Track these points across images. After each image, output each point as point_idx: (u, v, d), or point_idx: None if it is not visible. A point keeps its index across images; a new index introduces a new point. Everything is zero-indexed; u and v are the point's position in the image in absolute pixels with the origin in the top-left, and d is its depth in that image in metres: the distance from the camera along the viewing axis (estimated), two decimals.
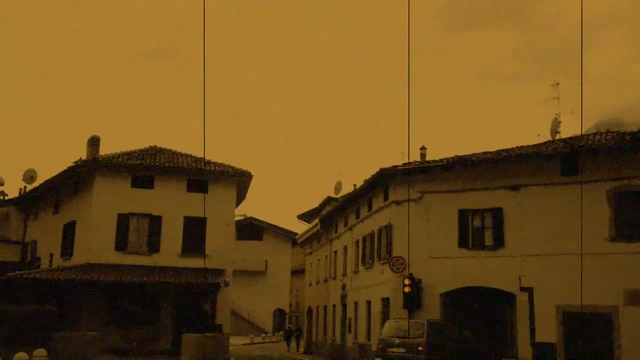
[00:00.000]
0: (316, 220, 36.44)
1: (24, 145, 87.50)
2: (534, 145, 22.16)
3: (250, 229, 52.35)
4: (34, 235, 33.39)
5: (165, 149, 30.43)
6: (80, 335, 22.82)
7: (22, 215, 34.84)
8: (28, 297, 25.07)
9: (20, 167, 64.61)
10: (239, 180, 29.68)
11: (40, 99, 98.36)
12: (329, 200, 36.28)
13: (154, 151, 29.96)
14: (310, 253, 40.49)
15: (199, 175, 28.64)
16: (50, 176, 30.12)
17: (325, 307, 34.57)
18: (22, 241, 34.06)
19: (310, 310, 39.41)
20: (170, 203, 28.12)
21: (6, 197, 35.67)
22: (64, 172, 28.72)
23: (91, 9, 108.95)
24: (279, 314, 55.48)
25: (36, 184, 32.36)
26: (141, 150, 29.70)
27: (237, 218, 35.02)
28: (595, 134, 22.78)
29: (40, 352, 19.06)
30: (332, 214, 32.90)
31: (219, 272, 27.62)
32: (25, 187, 33.75)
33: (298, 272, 50.17)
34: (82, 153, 30.11)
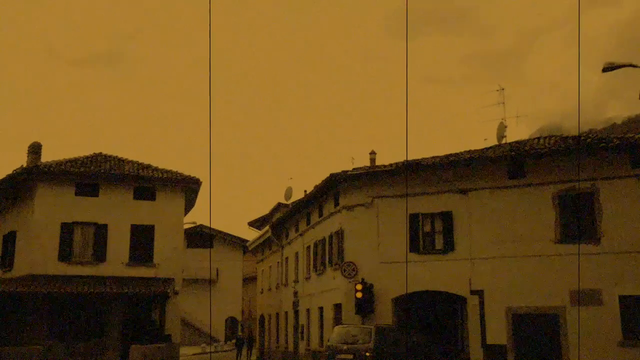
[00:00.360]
0: (267, 227, 36.12)
1: None
2: (482, 149, 22.46)
3: (201, 237, 51.57)
4: None
5: (110, 156, 29.62)
6: (23, 350, 22.03)
7: None
8: None
9: None
10: (187, 187, 29.09)
11: None
12: (279, 206, 36.06)
13: (99, 158, 29.11)
14: (262, 260, 40.12)
15: (146, 182, 28.01)
16: None
17: (277, 314, 34.26)
18: None
19: (262, 318, 39.02)
20: (117, 211, 27.36)
21: None
22: (3, 181, 27.55)
23: (32, 13, 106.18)
24: (231, 323, 54.83)
25: None
26: (85, 157, 28.80)
27: (186, 226, 34.39)
28: (539, 138, 23.29)
29: None
30: (282, 221, 32.65)
31: (168, 280, 27.03)
32: None
33: (250, 280, 49.69)
34: (22, 160, 29.01)
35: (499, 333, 19.94)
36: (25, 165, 27.41)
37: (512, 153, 20.66)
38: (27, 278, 25.49)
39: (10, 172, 27.08)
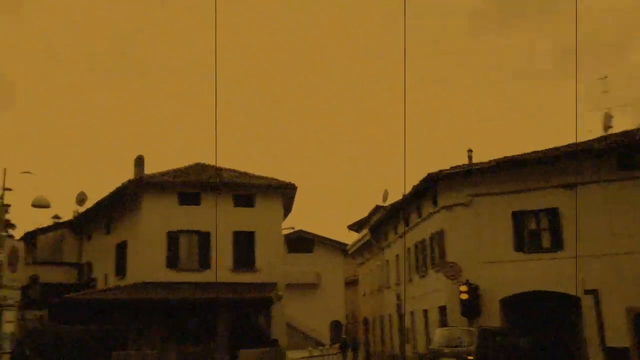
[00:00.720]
0: (366, 230, 35.95)
1: (73, 169, 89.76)
2: (586, 141, 21.21)
3: (300, 242, 52.11)
4: (88, 257, 33.96)
5: (209, 165, 30.53)
6: (139, 354, 22.99)
7: (77, 237, 35.52)
8: (86, 318, 25.37)
9: (72, 191, 66.48)
10: (284, 193, 29.51)
11: (82, 121, 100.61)
12: (377, 208, 35.75)
13: (199, 168, 30.10)
14: (363, 263, 40.00)
15: (244, 190, 28.64)
16: (100, 198, 30.58)
17: (381, 317, 33.99)
18: (78, 262, 34.70)
19: (366, 321, 38.86)
20: (218, 219, 28.11)
21: (60, 221, 36.45)
22: (112, 194, 29.10)
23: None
24: (335, 326, 54.96)
25: (88, 205, 32.94)
26: (186, 167, 29.89)
27: (285, 231, 34.85)
28: None
29: None
30: (381, 223, 32.37)
31: (270, 285, 27.45)
32: (77, 209, 34.40)
33: (351, 283, 49.63)
34: (129, 173, 30.48)
35: (619, 335, 18.72)
36: (132, 177, 28.78)
37: (622, 143, 19.36)
38: (139, 285, 26.68)
39: (119, 185, 28.53)
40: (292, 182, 29.24)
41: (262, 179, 29.51)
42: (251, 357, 23.59)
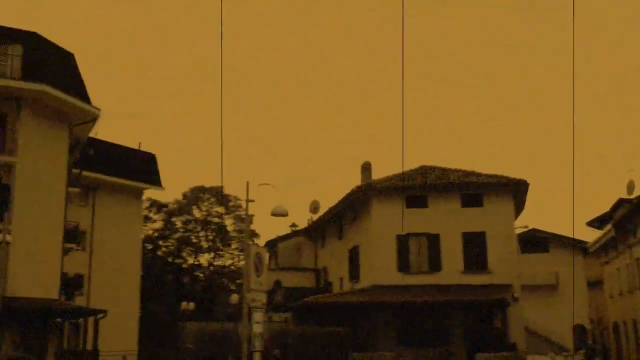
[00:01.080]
0: (609, 226, 32.89)
1: (304, 177, 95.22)
2: None
3: (534, 241, 49.44)
4: (323, 262, 35.83)
5: (434, 167, 30.45)
6: (378, 356, 23.63)
7: (312, 243, 37.76)
8: (324, 319, 26.74)
9: (305, 200, 70.72)
10: (515, 190, 28.23)
11: (308, 132, 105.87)
12: (621, 202, 32.47)
13: (424, 170, 30.10)
14: (607, 262, 36.64)
15: (472, 189, 28.04)
16: (331, 205, 32.06)
17: (634, 321, 30.69)
18: (315, 268, 36.82)
19: (616, 326, 35.43)
20: (446, 220, 27.91)
21: (297, 228, 39.07)
22: (342, 200, 30.39)
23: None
24: (580, 330, 51.14)
25: (320, 213, 34.78)
26: (411, 171, 30.04)
27: (518, 230, 33.32)
28: None
29: None
30: (627, 217, 29.25)
31: (504, 287, 26.61)
32: (311, 217, 36.54)
33: (595, 284, 45.72)
34: (356, 180, 31.53)
35: None
36: (358, 183, 29.74)
37: None
38: (372, 289, 27.44)
39: (347, 191, 29.65)
40: (523, 178, 27.86)
41: (490, 177, 28.71)
42: None
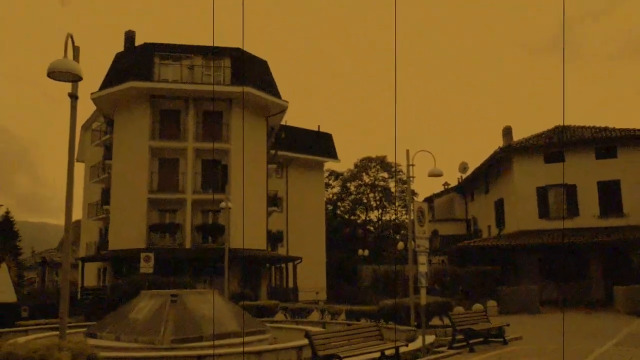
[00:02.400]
0: None
1: (454, 142, 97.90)
2: None
3: None
4: (472, 213, 40.72)
5: (570, 126, 33.56)
6: (523, 289, 27.67)
7: (462, 198, 42.80)
8: (476, 260, 31.48)
9: (455, 161, 74.62)
10: None
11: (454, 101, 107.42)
12: None
13: (560, 129, 33.48)
14: None
15: (606, 143, 31.16)
16: (477, 165, 36.75)
17: None
18: (465, 218, 41.89)
19: None
20: (583, 172, 31.23)
21: (449, 187, 44.36)
22: (487, 160, 34.85)
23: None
24: None
25: (468, 172, 39.67)
26: (548, 131, 33.65)
27: None
28: None
29: (492, 303, 25.12)
30: None
31: (639, 228, 29.32)
32: (461, 176, 41.52)
33: None
34: (498, 142, 35.62)
35: None
36: (501, 145, 34.00)
37: None
38: (516, 233, 31.76)
39: (491, 153, 34.07)
40: None
41: (623, 130, 31.42)
42: (624, 293, 25.75)
